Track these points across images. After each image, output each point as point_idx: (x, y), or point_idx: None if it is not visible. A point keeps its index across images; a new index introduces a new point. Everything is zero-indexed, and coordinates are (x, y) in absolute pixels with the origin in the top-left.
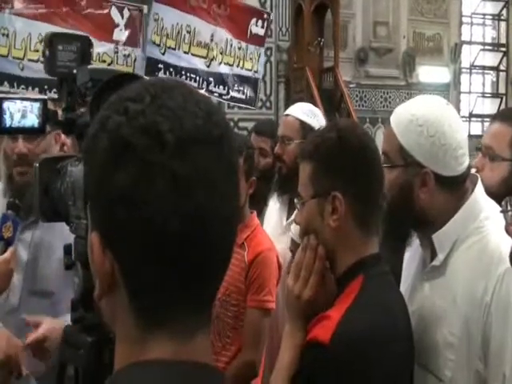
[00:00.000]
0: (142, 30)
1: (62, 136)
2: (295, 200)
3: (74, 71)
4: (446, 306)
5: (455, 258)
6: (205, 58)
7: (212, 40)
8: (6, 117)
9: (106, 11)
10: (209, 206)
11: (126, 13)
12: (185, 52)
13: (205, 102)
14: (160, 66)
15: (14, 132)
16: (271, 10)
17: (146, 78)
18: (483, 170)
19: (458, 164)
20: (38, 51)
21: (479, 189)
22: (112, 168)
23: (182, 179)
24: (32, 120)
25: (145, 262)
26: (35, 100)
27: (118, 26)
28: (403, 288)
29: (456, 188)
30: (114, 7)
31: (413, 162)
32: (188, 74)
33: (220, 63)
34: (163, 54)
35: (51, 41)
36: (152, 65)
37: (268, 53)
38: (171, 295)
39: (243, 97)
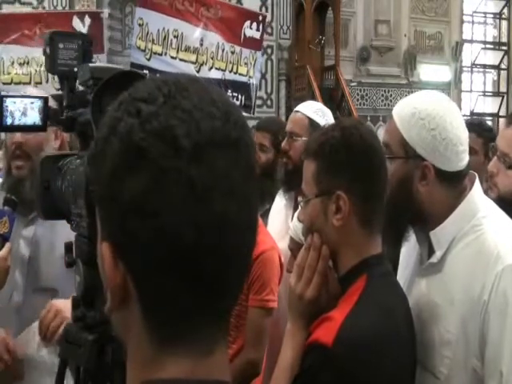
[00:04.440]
0: (104, 35)
1: (64, 134)
2: (299, 198)
3: (75, 69)
4: (443, 304)
5: (453, 256)
6: (194, 63)
7: (201, 44)
8: (7, 115)
9: (68, 23)
10: (227, 215)
11: (87, 20)
12: (172, 57)
13: (222, 101)
14: (145, 71)
15: (15, 130)
16: (272, 8)
17: (147, 76)
18: (498, 175)
19: (459, 160)
20: (10, 74)
21: (477, 187)
22: (124, 175)
23: (200, 186)
24: (33, 118)
25: (159, 275)
26: (36, 98)
27: None
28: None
29: (455, 184)
30: (75, 16)
31: (414, 155)
32: None
33: (211, 68)
34: (148, 59)
35: (52, 39)
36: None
37: (269, 51)
38: (187, 309)
39: (237, 103)
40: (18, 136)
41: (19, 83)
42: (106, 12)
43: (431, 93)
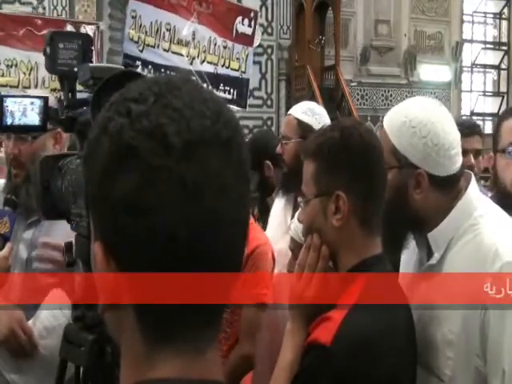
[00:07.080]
0: (101, 45)
1: (63, 136)
2: (299, 199)
3: (75, 69)
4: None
5: (451, 256)
6: (186, 56)
7: (194, 38)
8: (7, 115)
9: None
10: (219, 213)
11: (83, 30)
12: (165, 50)
13: (213, 101)
14: (138, 63)
15: (15, 130)
16: (272, 8)
17: (148, 75)
18: (507, 170)
19: (452, 163)
20: None
21: (473, 187)
22: (114, 173)
23: (190, 184)
24: (33, 118)
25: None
26: (36, 98)
27: None
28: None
29: (450, 187)
30: (69, 26)
31: (406, 164)
32: (168, 72)
33: (202, 62)
34: (141, 51)
35: (52, 39)
36: (129, 62)
37: (269, 51)
38: (180, 309)
39: (230, 97)
40: (12, 147)
41: (6, 85)
42: (101, 24)
43: (421, 100)
